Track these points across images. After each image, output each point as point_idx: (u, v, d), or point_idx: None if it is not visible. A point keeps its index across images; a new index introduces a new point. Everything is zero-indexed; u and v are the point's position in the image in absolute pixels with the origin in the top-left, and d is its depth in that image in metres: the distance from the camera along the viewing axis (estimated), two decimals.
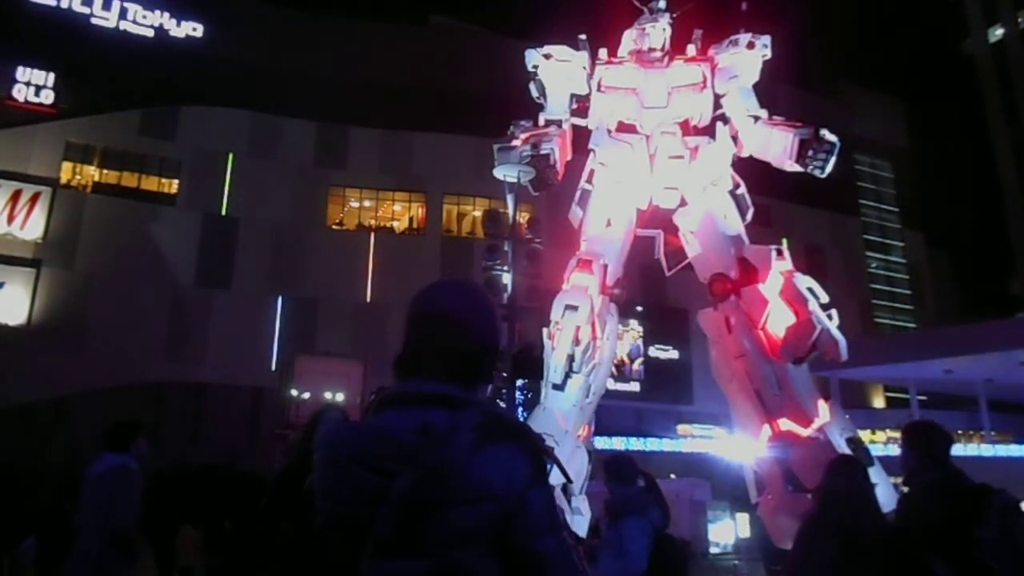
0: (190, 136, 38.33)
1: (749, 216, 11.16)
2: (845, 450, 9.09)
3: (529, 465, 1.60)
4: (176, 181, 38.85)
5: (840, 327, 9.76)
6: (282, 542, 2.75)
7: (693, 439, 40.40)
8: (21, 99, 35.81)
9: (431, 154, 41.06)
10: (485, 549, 1.54)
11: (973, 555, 3.40)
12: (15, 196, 34.70)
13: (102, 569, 5.26)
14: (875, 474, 8.86)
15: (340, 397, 19.71)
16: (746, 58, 11.62)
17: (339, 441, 1.70)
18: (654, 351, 41.58)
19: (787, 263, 10.21)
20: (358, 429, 1.73)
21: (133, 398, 32.76)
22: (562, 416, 9.97)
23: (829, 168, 10.70)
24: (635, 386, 40.50)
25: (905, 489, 4.14)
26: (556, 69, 11.92)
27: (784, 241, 27.83)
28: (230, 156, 39.38)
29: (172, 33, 39.71)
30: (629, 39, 12.17)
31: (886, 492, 7.87)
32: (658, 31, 11.91)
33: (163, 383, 34.51)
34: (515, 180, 11.52)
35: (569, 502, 9.33)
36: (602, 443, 28.01)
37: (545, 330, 10.40)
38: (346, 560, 1.58)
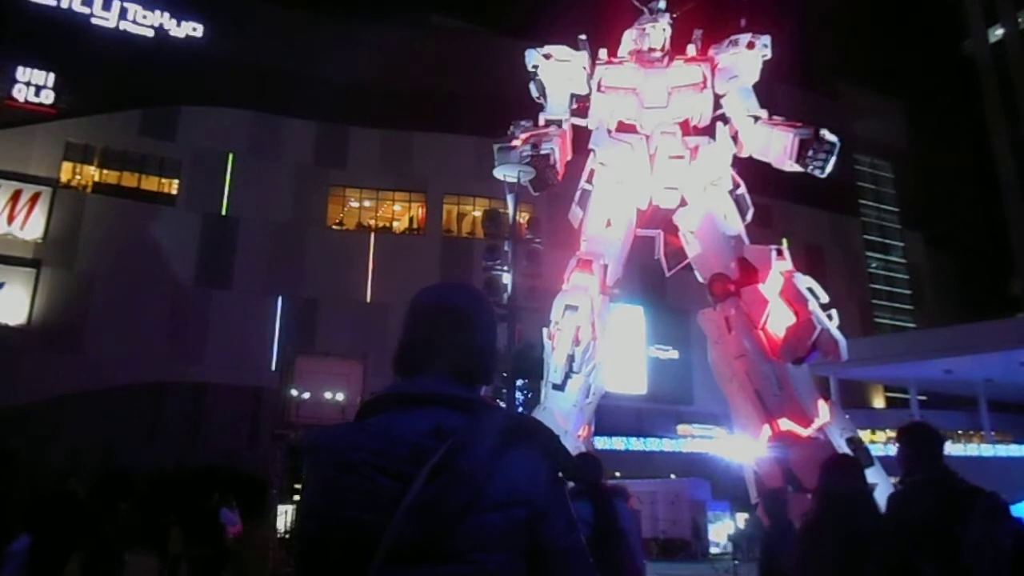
0: (190, 136, 38.29)
1: (749, 216, 11.17)
2: (845, 450, 9.09)
3: (551, 467, 1.61)
4: (176, 181, 38.81)
5: (840, 327, 9.77)
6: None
7: (693, 439, 40.40)
8: (21, 99, 35.76)
9: (431, 154, 41.03)
10: (515, 553, 1.53)
11: (956, 556, 3.39)
12: (15, 196, 34.68)
13: None
14: (875, 474, 8.88)
15: (340, 397, 19.62)
16: (746, 58, 11.64)
17: (345, 443, 1.61)
18: (654, 351, 41.55)
19: (787, 263, 10.22)
20: (364, 430, 1.64)
21: (133, 398, 32.80)
22: (562, 416, 9.97)
23: (829, 168, 10.72)
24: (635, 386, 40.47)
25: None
26: (556, 69, 11.93)
27: (784, 241, 27.82)
28: (230, 156, 39.34)
29: (172, 33, 39.68)
30: (629, 39, 12.19)
31: (886, 492, 7.86)
32: (658, 31, 11.92)
33: (163, 383, 34.46)
34: (515, 180, 11.51)
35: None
36: (602, 443, 28.07)
37: (545, 330, 10.41)
38: (346, 565, 1.52)
